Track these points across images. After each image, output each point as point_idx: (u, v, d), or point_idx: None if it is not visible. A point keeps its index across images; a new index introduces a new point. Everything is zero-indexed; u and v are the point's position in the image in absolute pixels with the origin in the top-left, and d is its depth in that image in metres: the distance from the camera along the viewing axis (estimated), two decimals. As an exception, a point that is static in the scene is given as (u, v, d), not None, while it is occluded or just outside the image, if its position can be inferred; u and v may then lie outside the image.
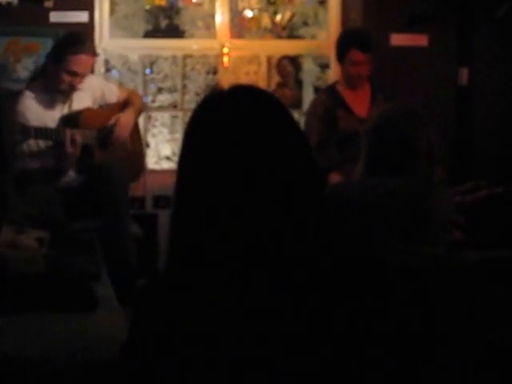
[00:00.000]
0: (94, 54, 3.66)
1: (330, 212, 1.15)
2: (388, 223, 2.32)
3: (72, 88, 3.63)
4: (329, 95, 4.04)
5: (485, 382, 1.99)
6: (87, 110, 3.73)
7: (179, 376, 1.07)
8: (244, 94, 1.17)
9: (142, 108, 4.04)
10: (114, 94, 3.91)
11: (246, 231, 1.08)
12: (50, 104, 3.67)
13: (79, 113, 3.70)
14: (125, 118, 3.77)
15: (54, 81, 3.61)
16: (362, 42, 3.94)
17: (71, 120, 3.66)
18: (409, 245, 2.28)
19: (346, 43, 3.96)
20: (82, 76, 3.61)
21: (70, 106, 3.71)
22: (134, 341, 1.14)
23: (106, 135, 3.75)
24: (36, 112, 3.62)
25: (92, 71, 3.81)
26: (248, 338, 1.06)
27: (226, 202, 1.09)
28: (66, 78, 3.57)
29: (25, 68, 4.24)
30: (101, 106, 3.86)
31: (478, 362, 2.02)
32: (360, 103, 4.03)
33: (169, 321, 1.09)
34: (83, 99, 3.75)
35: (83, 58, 3.56)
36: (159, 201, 4.02)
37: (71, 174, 3.68)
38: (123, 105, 3.88)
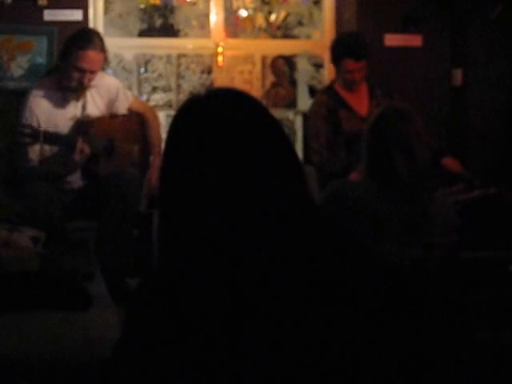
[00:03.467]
0: (103, 50, 3.61)
1: (325, 210, 1.16)
2: (385, 225, 2.33)
3: (81, 85, 3.60)
4: (329, 96, 4.03)
5: (477, 382, 2.00)
6: (100, 118, 3.72)
7: (173, 374, 1.06)
8: (220, 97, 1.16)
9: (160, 126, 4.01)
10: (126, 100, 3.86)
11: (230, 232, 1.08)
12: (61, 103, 3.65)
13: (92, 121, 3.68)
14: (154, 175, 3.78)
15: (64, 78, 3.60)
16: (355, 51, 3.88)
17: (83, 127, 3.64)
18: (405, 246, 2.29)
19: (340, 52, 3.92)
20: (92, 72, 3.58)
21: (83, 107, 3.70)
22: (127, 339, 1.13)
23: (113, 145, 3.75)
24: (47, 111, 3.61)
25: (103, 68, 3.78)
26: (244, 336, 1.05)
27: (206, 207, 1.09)
28: (75, 74, 3.55)
29: (19, 66, 4.23)
30: (114, 116, 3.84)
31: (471, 361, 2.03)
32: (360, 102, 4.03)
33: (162, 319, 1.08)
34: (97, 100, 3.74)
35: (90, 54, 3.53)
36: (154, 200, 4.01)
37: (75, 178, 3.67)
38: (138, 119, 3.86)
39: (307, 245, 1.10)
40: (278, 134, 1.15)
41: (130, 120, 3.88)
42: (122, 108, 3.84)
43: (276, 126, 1.15)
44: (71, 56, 3.53)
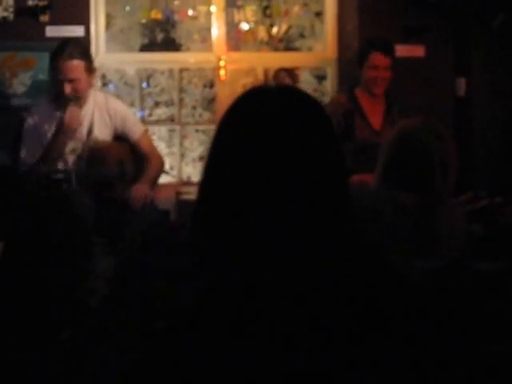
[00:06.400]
0: (79, 57, 3.58)
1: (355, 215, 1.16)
2: (395, 237, 2.31)
3: (77, 94, 3.59)
4: (348, 97, 4.03)
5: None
6: (109, 145, 3.71)
7: None
8: (289, 94, 1.16)
9: (162, 169, 3.99)
10: (136, 133, 3.82)
11: (269, 232, 1.08)
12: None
13: (101, 149, 3.67)
14: (138, 190, 3.69)
15: (60, 92, 3.61)
16: (384, 45, 3.96)
17: (94, 158, 3.64)
18: (414, 259, 2.27)
19: (369, 46, 3.98)
20: (72, 81, 3.57)
21: (90, 130, 3.69)
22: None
23: (124, 169, 3.73)
24: (45, 141, 3.62)
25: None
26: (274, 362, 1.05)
27: (250, 200, 1.09)
28: (66, 86, 3.57)
29: (21, 83, 4.23)
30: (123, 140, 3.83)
31: (482, 372, 2.01)
32: (375, 115, 4.01)
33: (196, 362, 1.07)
34: (102, 122, 3.73)
35: (63, 63, 3.54)
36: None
37: (90, 206, 3.64)
38: (141, 156, 3.82)
39: (344, 249, 1.11)
40: (329, 136, 1.16)
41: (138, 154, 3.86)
42: (131, 138, 3.81)
43: (329, 128, 1.17)
44: (55, 69, 3.58)
